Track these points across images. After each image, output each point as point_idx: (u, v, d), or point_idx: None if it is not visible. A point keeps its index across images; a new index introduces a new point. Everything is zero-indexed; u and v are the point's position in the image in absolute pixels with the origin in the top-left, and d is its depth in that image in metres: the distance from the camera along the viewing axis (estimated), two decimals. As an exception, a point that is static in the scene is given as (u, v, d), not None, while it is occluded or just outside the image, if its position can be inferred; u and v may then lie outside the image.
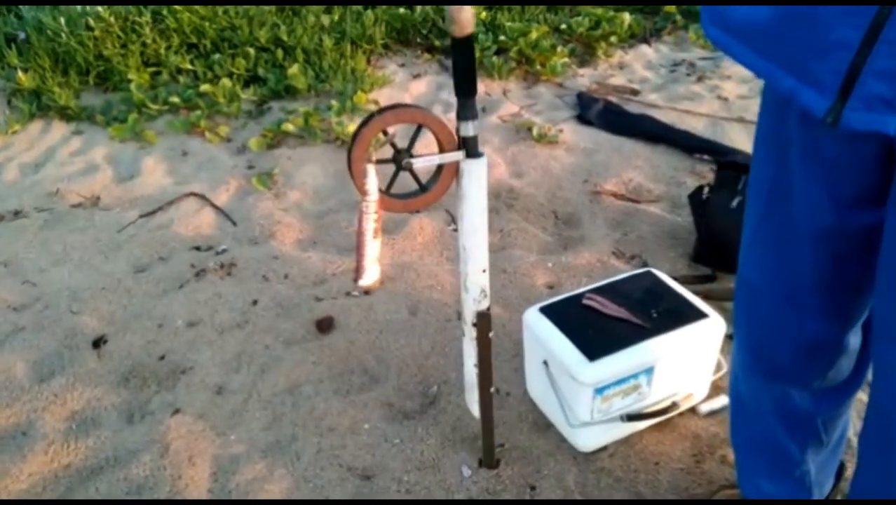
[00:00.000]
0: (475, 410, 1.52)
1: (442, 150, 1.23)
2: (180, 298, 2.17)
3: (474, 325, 1.39)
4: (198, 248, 2.41)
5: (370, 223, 1.19)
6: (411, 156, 1.21)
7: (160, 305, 2.15)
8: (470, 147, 1.22)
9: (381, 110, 1.20)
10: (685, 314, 1.58)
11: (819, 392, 1.20)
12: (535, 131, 2.95)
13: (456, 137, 1.22)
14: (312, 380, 1.87)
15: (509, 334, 1.97)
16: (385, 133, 1.25)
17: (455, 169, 1.25)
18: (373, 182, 1.17)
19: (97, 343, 2.02)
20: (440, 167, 1.26)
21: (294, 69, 3.27)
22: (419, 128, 1.22)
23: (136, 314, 2.13)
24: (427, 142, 1.34)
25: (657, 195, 2.58)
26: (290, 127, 2.93)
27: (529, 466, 1.60)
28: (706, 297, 2.05)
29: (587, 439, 1.59)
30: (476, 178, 1.25)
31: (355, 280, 1.22)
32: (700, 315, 1.58)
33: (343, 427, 1.73)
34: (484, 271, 1.34)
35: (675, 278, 2.09)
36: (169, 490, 1.59)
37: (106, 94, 3.42)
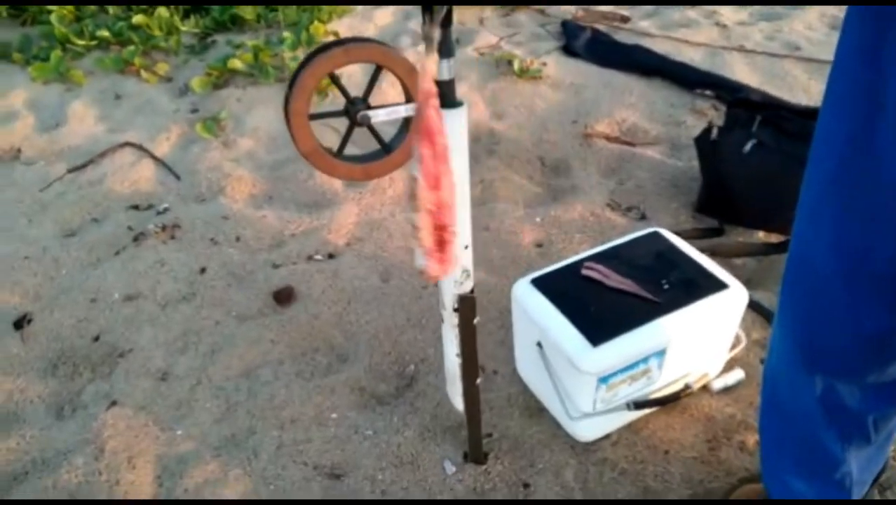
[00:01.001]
0: (458, 405, 1.30)
1: (409, 98, 0.96)
2: (116, 267, 1.89)
3: (455, 310, 1.15)
4: (136, 208, 2.11)
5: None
6: (368, 107, 0.94)
7: (93, 277, 1.87)
8: (444, 94, 0.95)
9: (327, 46, 0.91)
10: (701, 285, 1.36)
11: (873, 387, 1.01)
12: (516, 65, 2.65)
13: (428, 81, 0.94)
14: (271, 361, 1.63)
15: (494, 302, 1.74)
16: (333, 77, 0.96)
17: (427, 122, 0.98)
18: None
19: (20, 323, 1.75)
20: (407, 120, 0.99)
21: (242, -5, 2.88)
22: (378, 70, 0.94)
23: (65, 288, 1.85)
24: (388, 87, 1.05)
25: (654, 137, 2.33)
26: (237, 64, 2.58)
27: (522, 460, 1.40)
28: (713, 253, 1.83)
29: (587, 430, 1.39)
30: (453, 134, 0.97)
31: (443, 271, 0.92)
32: (718, 285, 1.36)
33: (307, 418, 1.50)
34: (466, 248, 1.09)
35: (678, 233, 1.87)
36: (105, 497, 1.37)
37: (24, 27, 3.00)
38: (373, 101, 0.95)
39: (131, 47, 2.73)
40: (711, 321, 1.35)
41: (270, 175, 2.21)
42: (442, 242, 0.90)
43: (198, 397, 1.56)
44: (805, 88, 2.52)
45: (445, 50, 0.92)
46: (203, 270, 1.88)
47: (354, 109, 0.95)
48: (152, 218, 2.06)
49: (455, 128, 0.97)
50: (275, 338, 1.68)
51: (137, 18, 2.80)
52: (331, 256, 1.92)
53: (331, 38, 2.89)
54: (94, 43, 2.80)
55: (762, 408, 1.18)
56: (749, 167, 1.84)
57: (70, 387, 1.60)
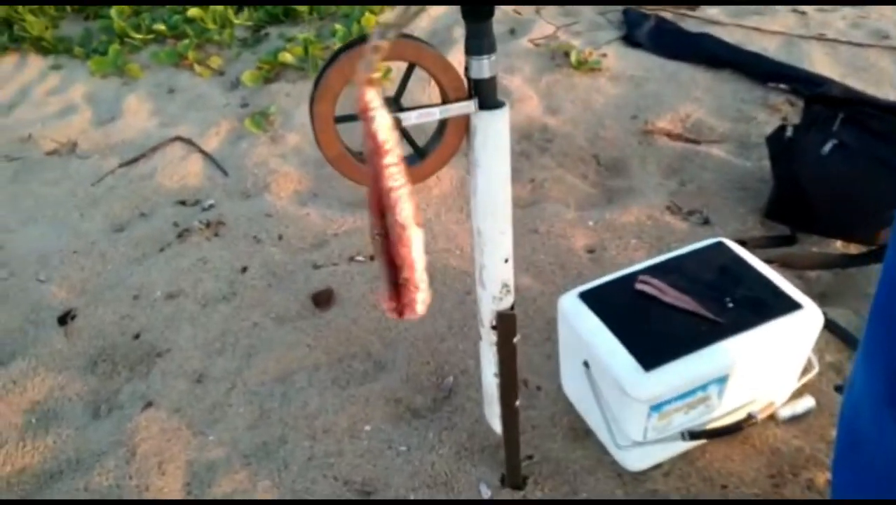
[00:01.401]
0: (496, 426, 1.21)
1: (445, 98, 0.87)
2: (160, 264, 1.88)
3: (494, 327, 1.06)
4: (183, 203, 2.10)
5: (404, 204, 0.79)
6: (400, 109, 0.85)
7: (137, 273, 1.87)
8: (484, 94, 0.86)
9: (355, 42, 0.83)
10: (771, 304, 1.22)
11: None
12: (573, 57, 2.51)
13: (465, 81, 0.85)
14: (307, 367, 1.59)
15: (541, 311, 1.64)
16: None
17: (464, 125, 0.90)
18: (382, 124, 0.74)
19: (64, 319, 1.75)
20: (443, 123, 0.90)
21: (296, -12, 2.85)
22: (410, 68, 0.86)
23: (110, 283, 1.85)
24: (423, 88, 0.96)
25: (721, 134, 2.15)
26: (288, 57, 2.54)
27: (564, 486, 1.30)
28: (783, 264, 1.69)
29: (637, 459, 1.27)
30: (494, 138, 0.89)
31: (398, 313, 0.86)
32: (790, 305, 1.22)
33: (340, 429, 1.44)
34: (506, 261, 1.00)
35: (744, 242, 1.72)
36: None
37: (87, 22, 3.06)
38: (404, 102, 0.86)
39: (186, 41, 2.73)
40: (781, 345, 1.21)
41: (316, 172, 2.17)
42: (395, 284, 0.83)
43: (232, 402, 1.52)
44: (894, 82, 2.29)
45: (487, 45, 0.83)
46: (244, 269, 1.85)
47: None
48: (198, 214, 2.05)
49: (496, 131, 0.88)
50: (312, 342, 1.63)
51: (192, 12, 2.81)
52: (372, 258, 1.85)
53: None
54: (150, 37, 2.83)
55: (838, 446, 1.05)
56: (828, 170, 1.67)
57: (108, 385, 1.59)
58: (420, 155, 0.92)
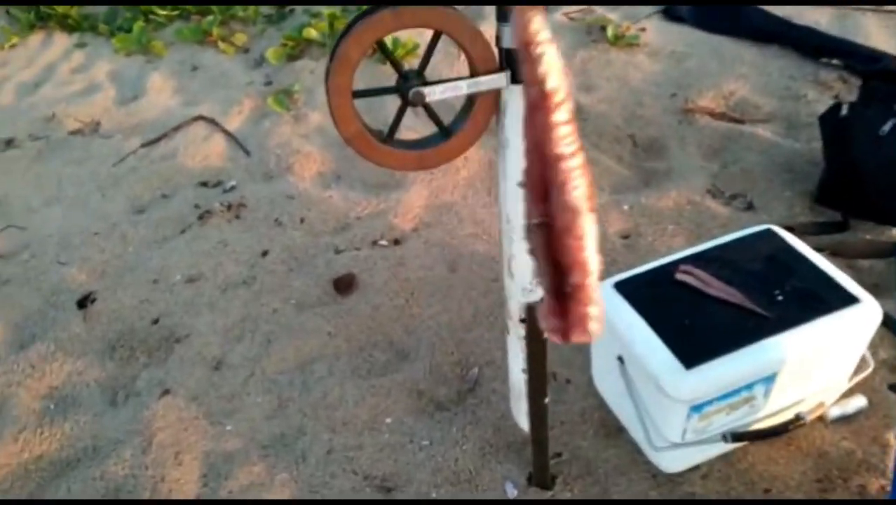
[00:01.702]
0: (523, 424, 1.14)
1: (474, 71, 0.79)
2: (181, 247, 1.84)
3: (522, 320, 0.99)
4: (204, 184, 2.06)
5: (578, 181, 0.59)
6: (424, 83, 0.78)
7: (157, 256, 1.83)
8: (518, 66, 0.77)
9: (374, 8, 0.75)
10: (824, 297, 1.12)
11: None
12: (610, 31, 2.39)
13: (495, 51, 0.77)
14: (327, 355, 1.53)
15: (572, 301, 1.55)
16: (382, 46, 0.81)
17: (494, 101, 0.82)
18: (553, 65, 0.58)
19: (83, 302, 1.73)
20: (471, 99, 0.82)
21: (321, -38, 2.76)
22: (437, 36, 0.78)
23: (130, 266, 1.82)
24: (448, 58, 0.88)
25: (768, 113, 2.03)
26: (312, 33, 2.47)
27: (594, 487, 1.23)
28: (834, 253, 1.58)
29: (674, 460, 1.19)
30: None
31: (562, 335, 0.66)
32: (846, 299, 1.12)
33: (360, 421, 1.39)
34: (537, 250, 0.92)
35: (791, 228, 1.61)
36: (149, 495, 1.31)
37: (112, -2, 3.02)
38: (431, 75, 0.79)
39: (210, 17, 2.68)
40: (835, 342, 1.12)
41: (339, 153, 2.10)
42: (560, 293, 0.61)
43: (250, 390, 1.48)
44: (957, 56, 2.13)
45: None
46: (265, 253, 1.80)
47: (407, 86, 0.79)
48: (219, 195, 2.00)
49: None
50: (332, 330, 1.57)
51: (217, -13, 2.75)
52: (396, 242, 1.78)
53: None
54: (175, 13, 2.78)
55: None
56: (887, 151, 1.54)
57: (126, 371, 1.56)
58: (445, 134, 0.85)
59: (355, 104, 0.80)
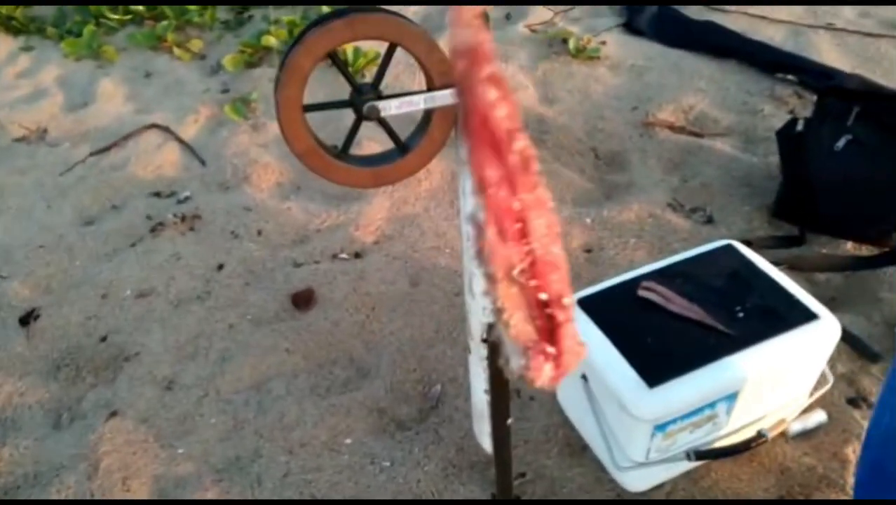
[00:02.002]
0: (486, 445, 1.11)
1: (431, 85, 0.76)
2: (131, 260, 1.77)
3: (484, 340, 0.96)
4: (157, 195, 1.99)
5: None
6: (379, 96, 0.75)
7: (107, 269, 1.75)
8: (476, 81, 0.75)
9: (326, 18, 0.72)
10: (784, 314, 1.13)
11: None
12: (571, 44, 2.40)
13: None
14: (284, 373, 1.48)
15: (535, 315, 1.54)
16: (333, 58, 0.78)
17: (452, 116, 0.79)
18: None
19: (26, 319, 1.64)
20: (429, 113, 0.79)
21: (280, -32, 2.71)
22: (391, 48, 0.75)
23: (77, 280, 1.74)
24: (410, 69, 0.86)
25: (726, 127, 2.05)
26: (271, 40, 2.42)
27: (559, 507, 1.21)
28: (791, 266, 1.60)
29: (637, 480, 1.18)
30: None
31: (540, 383, 0.59)
32: (805, 315, 1.13)
33: (318, 442, 1.34)
34: (498, 269, 0.89)
35: (749, 242, 1.63)
36: (94, 524, 1.24)
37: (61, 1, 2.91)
38: (393, 87, 0.76)
39: (165, 22, 2.60)
40: (795, 359, 1.12)
41: (299, 163, 2.04)
42: (551, 326, 0.56)
43: (203, 411, 1.42)
44: (906, 74, 2.20)
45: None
46: (220, 267, 1.74)
47: (362, 100, 0.76)
48: (172, 207, 1.93)
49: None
50: (290, 347, 1.52)
51: (172, -8, 2.67)
52: (357, 256, 1.74)
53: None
54: (128, 17, 2.69)
55: (863, 475, 0.96)
56: (841, 166, 1.57)
57: (71, 392, 1.49)
58: (402, 150, 0.82)
59: (307, 118, 0.76)
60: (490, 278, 0.52)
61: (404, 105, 0.75)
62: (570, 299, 0.57)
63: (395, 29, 0.72)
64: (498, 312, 0.55)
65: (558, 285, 0.55)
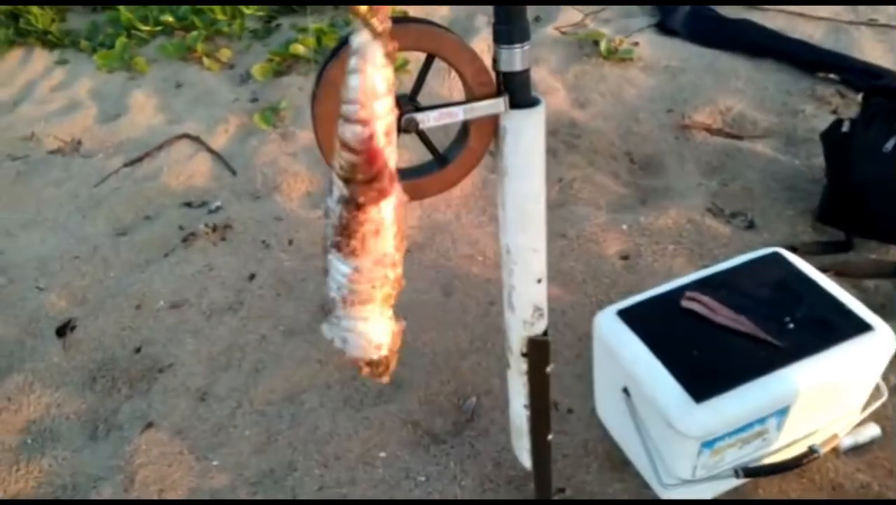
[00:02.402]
0: (525, 461, 1.09)
1: (470, 96, 0.74)
2: (164, 271, 1.78)
3: (524, 354, 0.93)
4: (188, 205, 2.00)
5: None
6: (416, 108, 0.72)
7: (140, 280, 1.76)
8: (516, 90, 0.73)
9: (364, 31, 0.70)
10: (836, 325, 1.08)
11: None
12: (602, 46, 2.36)
13: (493, 74, 0.72)
14: (317, 385, 1.47)
15: (572, 326, 1.51)
16: (373, 70, 0.75)
17: (492, 127, 0.76)
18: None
19: (62, 330, 1.66)
20: (467, 124, 0.77)
21: (308, -24, 2.72)
22: (430, 60, 0.73)
23: (111, 292, 1.75)
24: (442, 79, 0.83)
25: (765, 129, 1.99)
26: (300, 49, 2.42)
27: (600, 525, 1.17)
28: (838, 273, 1.54)
29: (683, 497, 1.13)
30: (527, 142, 0.76)
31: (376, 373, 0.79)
32: (859, 326, 1.07)
33: (353, 455, 1.33)
34: (539, 282, 0.87)
35: (794, 248, 1.57)
36: (131, 538, 1.24)
37: (94, 14, 2.96)
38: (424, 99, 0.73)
39: (194, 33, 2.63)
40: (849, 371, 1.07)
41: (328, 171, 2.04)
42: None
43: (237, 423, 1.41)
44: (954, 70, 2.11)
45: (519, 32, 0.70)
46: (252, 277, 1.73)
47: (401, 110, 0.73)
48: (204, 216, 1.94)
49: (529, 133, 0.75)
50: (323, 358, 1.51)
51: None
52: (388, 264, 1.72)
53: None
54: (158, 29, 2.72)
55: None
56: (890, 169, 1.51)
57: (107, 403, 1.49)
58: (441, 162, 0.79)
59: (345, 131, 0.74)
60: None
61: (443, 116, 0.72)
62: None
63: (433, 39, 0.70)
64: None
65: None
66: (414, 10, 2.78)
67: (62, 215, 2.02)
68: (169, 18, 2.67)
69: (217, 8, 2.64)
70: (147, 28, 2.67)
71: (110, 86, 2.55)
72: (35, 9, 2.76)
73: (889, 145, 1.49)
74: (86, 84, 2.58)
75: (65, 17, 2.96)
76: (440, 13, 2.79)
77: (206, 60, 2.53)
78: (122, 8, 2.69)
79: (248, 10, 2.73)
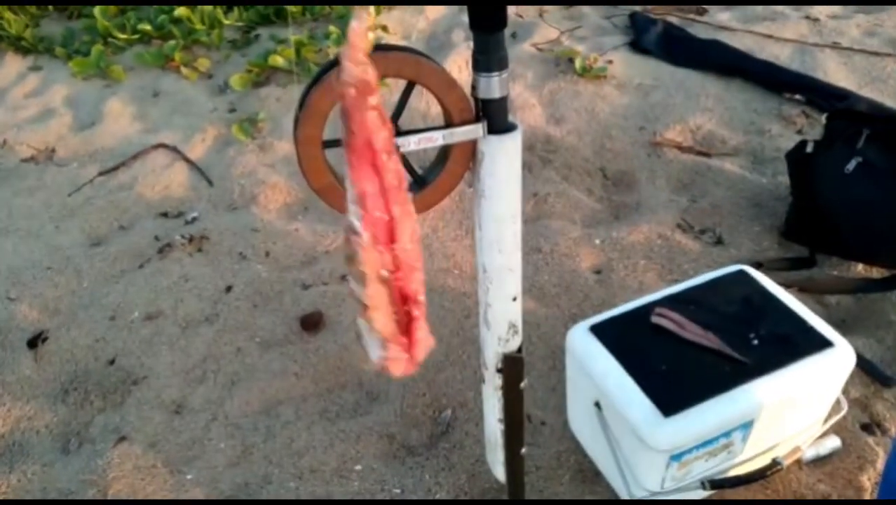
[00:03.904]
0: (499, 475, 1.10)
1: (449, 121, 0.76)
2: (139, 282, 1.77)
3: (499, 370, 0.96)
4: (165, 215, 1.99)
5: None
6: (397, 132, 0.74)
7: (114, 291, 1.75)
8: (494, 116, 0.75)
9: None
10: (798, 341, 1.12)
11: None
12: (577, 63, 2.41)
13: (471, 101, 0.75)
14: (293, 397, 1.47)
15: (545, 339, 1.53)
16: (355, 95, 0.77)
17: (470, 151, 0.79)
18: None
19: (34, 341, 1.64)
20: (446, 149, 0.79)
21: (287, -12, 2.73)
22: (410, 86, 0.75)
23: (84, 303, 1.73)
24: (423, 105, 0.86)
25: (734, 147, 2.06)
26: (279, 60, 2.42)
27: (572, 536, 1.20)
28: (802, 288, 1.59)
29: (653, 508, 1.17)
30: (503, 166, 0.78)
31: (395, 372, 0.72)
32: (820, 342, 1.12)
33: (329, 468, 1.33)
34: (514, 300, 0.89)
35: (760, 264, 1.63)
36: (103, 554, 1.23)
37: (70, 21, 2.93)
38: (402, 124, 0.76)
39: (172, 42, 2.62)
40: (810, 387, 1.11)
41: (306, 183, 2.05)
42: (407, 321, 0.66)
43: (212, 436, 1.41)
44: (912, 93, 2.20)
45: (497, 61, 0.72)
46: (229, 289, 1.73)
47: (379, 134, 0.75)
48: (180, 227, 1.93)
49: (506, 157, 0.77)
50: (299, 370, 1.52)
51: (179, 11, 2.68)
52: (365, 277, 1.74)
53: (379, 34, 2.71)
54: (135, 37, 2.70)
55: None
56: (851, 189, 1.57)
57: (79, 416, 1.48)
58: (420, 184, 0.82)
59: (326, 154, 0.76)
60: (361, 277, 0.61)
61: (423, 141, 0.75)
62: (424, 297, 0.66)
63: (414, 67, 0.72)
64: (363, 308, 0.64)
65: (416, 285, 0.65)
66: (392, 25, 2.81)
67: (35, 225, 1.99)
68: (146, 27, 2.66)
69: (195, 17, 2.64)
70: (124, 36, 2.65)
71: (86, 93, 2.53)
72: (8, 14, 2.73)
73: (850, 166, 1.55)
74: (60, 91, 2.55)
75: (38, 23, 2.92)
76: (419, 27, 2.82)
77: (184, 70, 2.53)
78: (98, 15, 2.67)
79: (226, 21, 2.73)
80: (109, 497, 1.31)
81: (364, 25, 0.55)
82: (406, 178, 0.63)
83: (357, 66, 0.56)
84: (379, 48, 0.74)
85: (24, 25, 2.73)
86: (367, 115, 0.57)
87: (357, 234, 0.59)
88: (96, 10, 2.71)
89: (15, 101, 2.52)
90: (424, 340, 0.69)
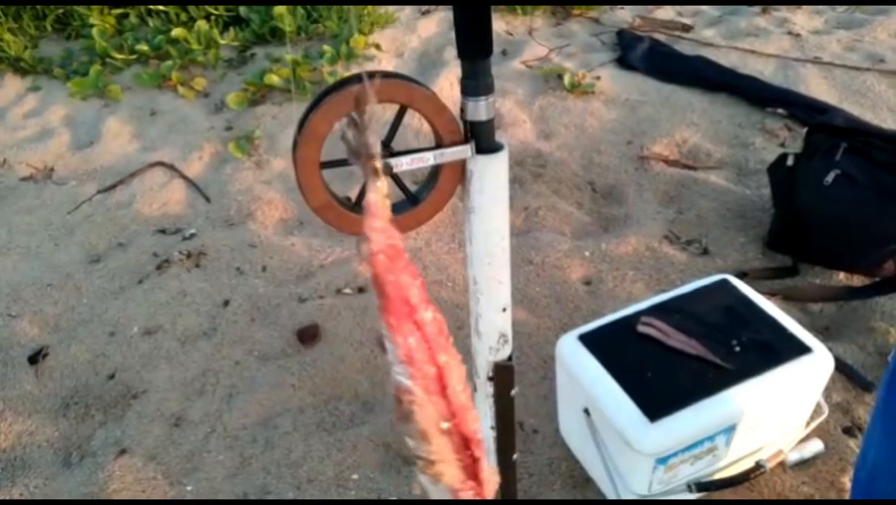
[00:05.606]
0: (493, 480, 1.14)
1: (440, 142, 0.81)
2: (138, 297, 1.80)
3: (490, 379, 0.99)
4: (162, 232, 2.02)
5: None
6: (391, 153, 0.79)
7: (114, 307, 1.78)
8: (481, 137, 0.80)
9: (343, 83, 0.77)
10: (779, 348, 1.16)
11: None
12: (566, 79, 2.47)
13: (460, 123, 0.79)
14: (291, 409, 1.51)
15: (536, 348, 1.57)
16: (352, 119, 0.82)
17: (460, 170, 0.83)
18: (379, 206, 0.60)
19: (35, 357, 1.67)
20: (437, 168, 0.84)
21: (280, 8, 2.78)
22: (402, 110, 0.80)
23: (84, 318, 1.76)
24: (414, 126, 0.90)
25: (719, 160, 2.11)
26: (274, 79, 2.47)
27: (564, 540, 1.23)
28: (786, 297, 1.64)
29: (641, 512, 1.20)
30: (491, 184, 0.82)
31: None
32: (800, 348, 1.16)
33: (326, 478, 1.36)
34: (504, 311, 0.93)
35: (744, 273, 1.67)
36: (105, 565, 1.26)
37: (68, 42, 2.98)
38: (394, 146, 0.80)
39: (169, 62, 2.66)
40: (791, 391, 1.15)
41: (302, 199, 2.09)
42: (471, 462, 0.64)
43: (211, 448, 1.44)
44: (891, 106, 2.26)
45: (484, 86, 0.77)
46: (226, 303, 1.77)
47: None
48: (178, 244, 1.97)
49: (493, 176, 0.82)
50: (296, 382, 1.55)
51: (176, 32, 2.74)
52: (360, 290, 1.78)
53: (372, 52, 2.77)
54: (133, 57, 2.75)
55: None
56: (830, 201, 1.62)
57: (80, 430, 1.51)
58: (413, 201, 0.86)
59: (323, 175, 0.81)
60: (421, 435, 0.58)
61: (415, 161, 0.79)
62: (481, 434, 0.64)
63: (405, 93, 0.76)
64: (427, 464, 0.60)
65: (473, 424, 0.62)
66: (385, 43, 2.87)
67: (34, 242, 2.03)
68: (144, 47, 2.71)
69: (192, 37, 2.69)
70: (122, 56, 2.70)
71: (84, 113, 2.57)
72: (7, 35, 2.77)
73: (829, 178, 1.60)
74: (59, 111, 2.59)
75: (37, 43, 2.97)
76: (411, 45, 2.88)
77: (180, 89, 2.57)
78: (96, 36, 2.72)
79: (223, 41, 2.78)
80: (111, 509, 1.34)
81: (380, 196, 0.58)
82: (441, 318, 0.63)
83: (382, 233, 0.57)
84: (376, 74, 0.78)
85: (24, 47, 2.78)
86: (400, 277, 0.58)
87: (409, 392, 0.57)
88: (94, 30, 2.76)
89: (14, 120, 2.56)
90: (491, 479, 0.67)
